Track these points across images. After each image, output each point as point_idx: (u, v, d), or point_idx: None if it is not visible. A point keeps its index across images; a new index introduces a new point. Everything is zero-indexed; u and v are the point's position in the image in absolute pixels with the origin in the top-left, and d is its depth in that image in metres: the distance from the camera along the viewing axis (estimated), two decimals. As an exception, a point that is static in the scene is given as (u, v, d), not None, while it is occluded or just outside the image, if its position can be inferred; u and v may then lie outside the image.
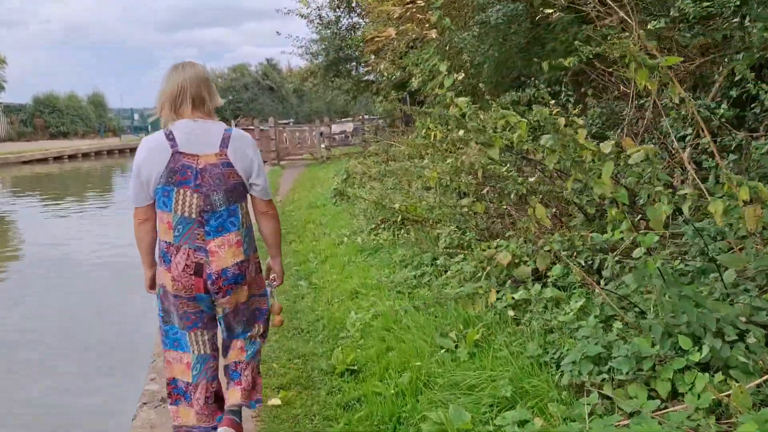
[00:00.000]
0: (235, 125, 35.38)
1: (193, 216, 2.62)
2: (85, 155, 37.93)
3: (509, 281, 4.05)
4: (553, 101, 4.79)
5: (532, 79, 7.21)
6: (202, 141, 2.65)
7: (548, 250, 3.73)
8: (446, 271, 4.80)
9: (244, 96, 62.41)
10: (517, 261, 4.05)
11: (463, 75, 6.76)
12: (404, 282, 4.98)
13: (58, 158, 35.25)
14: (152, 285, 2.88)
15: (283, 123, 27.89)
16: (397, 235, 6.31)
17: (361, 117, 26.31)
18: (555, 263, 3.77)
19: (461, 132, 3.96)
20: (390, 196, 7.16)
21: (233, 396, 2.88)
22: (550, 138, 3.10)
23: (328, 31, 20.76)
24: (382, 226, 6.86)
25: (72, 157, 36.67)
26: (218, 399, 2.92)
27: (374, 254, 6.22)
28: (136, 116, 55.99)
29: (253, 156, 2.76)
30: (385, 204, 6.93)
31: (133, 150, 39.77)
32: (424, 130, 7.92)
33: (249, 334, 2.96)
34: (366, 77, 21.61)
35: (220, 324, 2.90)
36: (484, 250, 4.33)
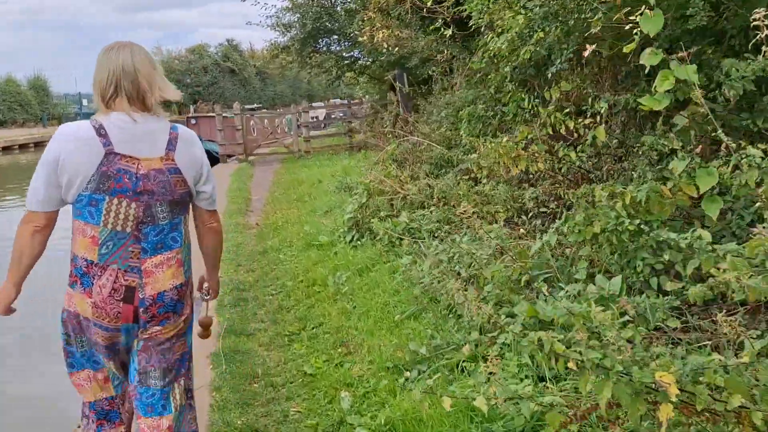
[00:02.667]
0: (194, 111, 31.67)
1: (128, 230, 2.17)
2: (23, 146, 33.75)
3: None
4: None
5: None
6: (143, 141, 2.18)
7: None
8: None
9: (203, 79, 59.56)
10: None
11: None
12: None
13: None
14: (8, 309, 2.29)
15: (251, 109, 23.94)
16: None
17: (330, 102, 22.51)
18: None
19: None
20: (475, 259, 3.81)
21: None
22: None
23: (304, -4, 17.18)
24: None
25: (7, 149, 32.54)
26: None
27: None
28: (85, 102, 51.29)
29: (202, 159, 2.35)
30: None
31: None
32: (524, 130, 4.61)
33: (167, 391, 2.31)
34: (350, 53, 17.99)
35: (133, 361, 2.30)
36: None
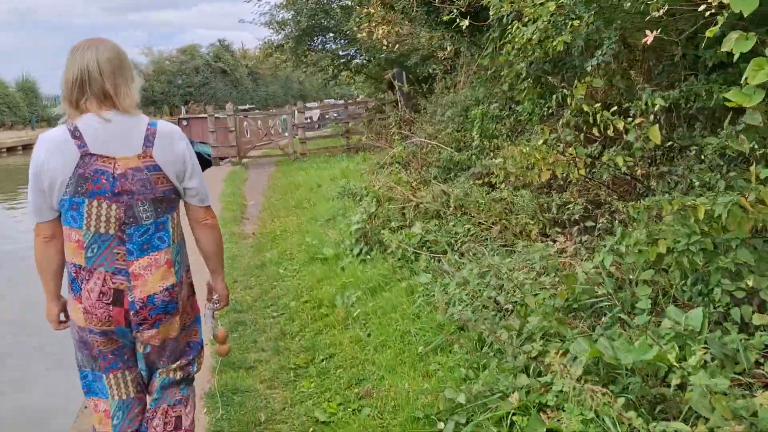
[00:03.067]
0: (186, 112, 31.01)
1: (111, 232, 2.12)
2: (11, 149, 33.02)
3: None
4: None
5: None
6: (118, 140, 2.13)
7: None
8: None
9: (194, 80, 58.98)
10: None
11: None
12: None
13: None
14: (59, 320, 2.35)
15: (244, 109, 23.34)
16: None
17: (324, 102, 21.83)
18: None
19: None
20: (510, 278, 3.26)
21: None
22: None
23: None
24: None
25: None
26: None
27: None
28: (74, 103, 50.46)
29: (186, 153, 2.24)
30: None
31: (68, 142, 35.87)
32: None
33: (176, 375, 2.37)
34: (346, 51, 17.41)
35: (140, 362, 2.34)
36: None
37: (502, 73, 7.26)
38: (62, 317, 2.35)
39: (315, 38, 17.88)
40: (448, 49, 12.62)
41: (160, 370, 2.36)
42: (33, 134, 37.66)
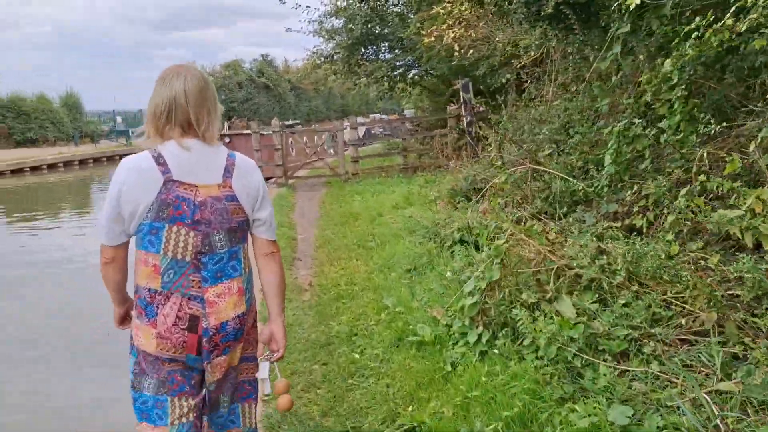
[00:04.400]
0: (229, 128, 29.79)
1: (187, 259, 2.15)
2: (52, 166, 32.29)
3: None
4: None
5: None
6: (200, 168, 2.18)
7: None
8: None
9: (238, 95, 58.35)
10: None
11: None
12: None
13: (17, 171, 29.67)
14: (122, 321, 2.44)
15: (289, 125, 21.82)
16: None
17: (372, 116, 20.03)
18: None
19: None
20: None
21: None
22: None
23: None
24: None
25: (35, 168, 31.10)
26: None
27: None
28: (119, 119, 50.06)
29: (259, 185, 2.32)
30: None
31: (110, 159, 34.79)
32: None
33: (239, 421, 2.41)
34: (402, 61, 15.72)
35: (206, 397, 2.31)
36: None
37: (641, 79, 5.47)
38: (128, 321, 2.37)
39: (368, 47, 16.27)
40: (532, 53, 10.83)
41: (222, 417, 2.38)
42: (75, 150, 36.99)
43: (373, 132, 32.36)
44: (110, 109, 53.40)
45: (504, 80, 12.84)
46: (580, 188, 5.51)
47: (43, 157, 32.64)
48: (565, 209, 6.09)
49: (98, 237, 2.20)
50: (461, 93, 13.98)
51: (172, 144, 2.14)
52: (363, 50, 16.06)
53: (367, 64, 15.87)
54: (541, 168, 5.95)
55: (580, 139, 6.51)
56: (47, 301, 7.79)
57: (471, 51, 10.92)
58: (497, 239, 4.20)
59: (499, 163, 6.45)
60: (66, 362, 5.73)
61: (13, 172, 29.32)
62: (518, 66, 12.05)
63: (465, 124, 14.06)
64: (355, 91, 20.05)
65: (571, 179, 5.65)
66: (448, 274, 4.92)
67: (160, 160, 2.12)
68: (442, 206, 8.81)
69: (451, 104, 15.28)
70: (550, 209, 6.43)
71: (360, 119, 38.04)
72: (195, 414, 2.27)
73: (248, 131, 16.12)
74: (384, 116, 51.56)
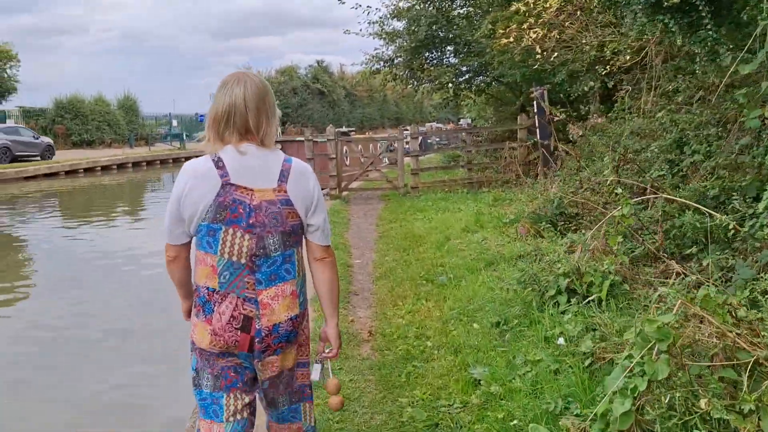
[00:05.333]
0: (281, 134, 29.03)
1: (243, 261, 2.19)
2: (106, 168, 32.18)
3: None
4: None
5: None
6: (257, 172, 2.22)
7: None
8: None
9: (292, 101, 58.28)
10: None
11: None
12: None
13: (71, 172, 29.59)
14: (191, 313, 2.37)
15: (343, 133, 20.76)
16: None
17: (428, 125, 18.66)
18: None
19: None
20: None
21: None
22: None
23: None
24: None
25: (89, 170, 31.02)
26: None
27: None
28: (174, 122, 50.21)
29: (314, 190, 2.33)
30: None
31: (164, 162, 34.58)
32: None
33: (301, 416, 2.48)
34: (469, 65, 14.45)
35: (261, 397, 2.43)
36: None
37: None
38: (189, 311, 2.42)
39: (432, 51, 15.09)
40: (625, 57, 9.45)
41: (284, 416, 2.45)
42: (130, 153, 37.00)
43: (429, 141, 31.09)
44: (167, 113, 53.65)
45: (587, 88, 11.47)
46: (729, 226, 4.17)
47: (96, 158, 32.60)
48: (693, 249, 4.77)
49: (164, 236, 2.29)
50: (535, 102, 12.66)
51: (230, 148, 2.20)
52: (426, 54, 14.88)
53: (432, 69, 14.66)
54: (672, 198, 4.63)
55: (716, 161, 5.17)
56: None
57: (555, 54, 9.61)
58: (649, 303, 2.93)
59: (619, 189, 5.13)
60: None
61: (67, 173, 29.26)
62: (604, 72, 10.68)
63: (539, 137, 12.72)
64: (417, 98, 18.84)
65: (713, 213, 4.31)
66: (560, 341, 3.67)
67: (219, 164, 2.18)
68: (523, 232, 7.54)
69: (523, 114, 13.95)
70: (670, 247, 5.11)
71: (422, 128, 36.90)
72: (249, 411, 2.33)
73: (301, 138, 15.12)
74: (441, 125, 50.31)
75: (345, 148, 17.25)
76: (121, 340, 6.34)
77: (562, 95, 11.51)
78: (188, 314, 2.44)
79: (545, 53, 9.85)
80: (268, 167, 2.22)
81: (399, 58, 15.25)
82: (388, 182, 14.47)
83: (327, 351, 2.50)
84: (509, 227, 8.51)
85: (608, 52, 10.23)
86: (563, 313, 4.12)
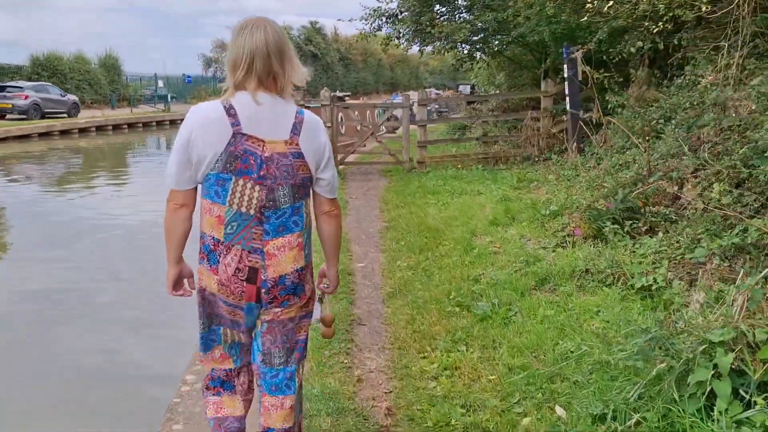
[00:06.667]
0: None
1: (252, 212, 2.16)
2: (84, 130, 30.03)
3: None
4: None
5: None
6: (269, 123, 2.16)
7: None
8: None
9: (284, 63, 55.53)
10: None
11: None
12: None
13: (45, 134, 27.48)
14: (176, 286, 2.37)
15: (339, 98, 18.67)
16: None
17: (429, 91, 16.58)
18: None
19: None
20: None
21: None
22: None
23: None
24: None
25: (65, 132, 28.91)
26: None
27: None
28: (160, 83, 47.74)
29: (325, 145, 2.28)
30: None
31: (147, 125, 32.51)
32: None
33: (291, 370, 2.37)
34: (482, 23, 12.46)
35: (256, 342, 2.37)
36: None
37: None
38: (180, 286, 2.39)
39: (443, 3, 13.08)
40: (701, 6, 7.57)
41: (276, 369, 2.34)
42: (110, 114, 34.72)
43: (429, 109, 28.97)
44: (153, 73, 51.11)
45: (633, 49, 9.59)
46: None
47: (73, 120, 30.42)
48: None
49: (166, 181, 2.19)
50: (567, 65, 10.78)
51: (244, 96, 2.12)
52: (437, 7, 12.89)
53: (445, 24, 12.63)
54: None
55: None
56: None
57: (609, 3, 7.74)
58: None
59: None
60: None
61: (41, 135, 27.14)
62: (655, 30, 8.81)
63: (569, 105, 10.87)
64: (422, 59, 16.81)
65: None
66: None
67: (231, 111, 2.11)
68: (578, 234, 5.76)
69: (549, 79, 12.07)
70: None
71: (412, 93, 34.75)
72: (246, 337, 2.36)
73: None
74: (439, 92, 48.03)
75: (340, 114, 15.32)
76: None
77: (595, 58, 9.56)
78: (173, 286, 2.35)
79: (595, 2, 7.96)
80: (281, 118, 2.16)
81: (405, 12, 13.25)
82: (391, 155, 12.60)
83: (325, 286, 2.54)
84: (550, 220, 6.75)
85: (661, 5, 8.37)
86: (737, 421, 2.37)
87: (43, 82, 32.76)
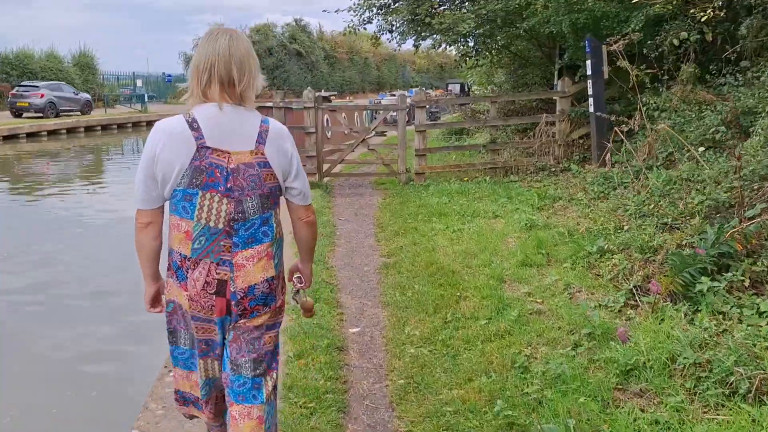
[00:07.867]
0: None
1: (220, 226, 2.13)
2: (53, 133, 28.18)
3: None
4: None
5: None
6: (233, 134, 2.14)
7: None
8: None
9: (267, 62, 53.95)
10: None
11: None
12: None
13: (9, 137, 25.61)
14: (154, 303, 2.38)
15: (324, 98, 16.94)
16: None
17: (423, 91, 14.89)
18: None
19: None
20: None
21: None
22: None
23: None
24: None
25: (32, 135, 27.07)
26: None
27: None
28: (139, 82, 45.81)
29: (292, 153, 2.26)
30: None
31: (122, 127, 30.55)
32: None
33: (258, 381, 2.27)
34: (487, 13, 10.83)
35: (226, 351, 2.29)
36: None
37: None
38: (158, 303, 2.38)
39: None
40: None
41: (245, 383, 2.26)
42: (80, 117, 32.78)
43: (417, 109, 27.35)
44: (131, 72, 49.08)
45: (676, 41, 8.08)
46: None
47: (41, 122, 28.51)
48: None
49: (134, 201, 2.18)
50: (590, 61, 9.23)
51: (207, 108, 2.10)
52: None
53: (447, 13, 11.01)
54: None
55: None
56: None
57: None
58: None
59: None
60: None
61: (5, 138, 25.24)
62: (702, 18, 7.31)
63: (592, 108, 9.33)
64: (419, 52, 15.22)
65: None
66: None
67: (194, 125, 2.09)
68: (656, 291, 4.16)
69: (566, 78, 10.51)
70: None
71: (397, 93, 33.01)
72: (219, 370, 2.31)
73: (269, 104, 11.45)
74: (429, 92, 46.42)
75: (326, 117, 13.68)
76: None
77: (626, 53, 8.01)
78: (151, 303, 2.37)
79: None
80: (245, 128, 2.14)
81: (400, 2, 11.65)
82: (385, 166, 10.97)
83: (297, 281, 2.49)
84: (600, 260, 5.20)
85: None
86: None
87: (57, 81, 32.77)
